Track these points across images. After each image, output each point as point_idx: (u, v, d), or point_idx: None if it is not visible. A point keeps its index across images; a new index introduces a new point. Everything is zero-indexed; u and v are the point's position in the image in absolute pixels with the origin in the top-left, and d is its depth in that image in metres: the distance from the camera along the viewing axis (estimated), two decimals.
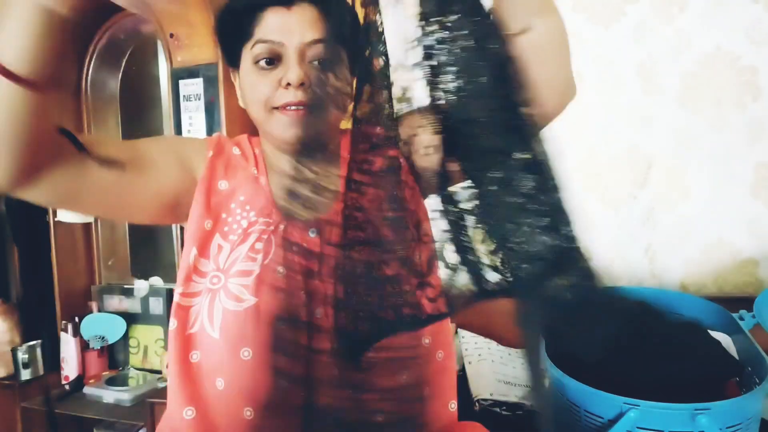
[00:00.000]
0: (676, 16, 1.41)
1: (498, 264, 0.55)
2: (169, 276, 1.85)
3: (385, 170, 0.74)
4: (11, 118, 0.55)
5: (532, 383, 0.62)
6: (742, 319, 1.04)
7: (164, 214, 0.76)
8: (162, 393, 1.56)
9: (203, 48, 1.53)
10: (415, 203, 0.76)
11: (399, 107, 0.66)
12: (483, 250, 0.55)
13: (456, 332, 1.40)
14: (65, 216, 1.79)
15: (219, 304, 0.70)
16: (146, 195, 0.72)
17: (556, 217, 0.53)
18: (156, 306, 1.80)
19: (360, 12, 0.66)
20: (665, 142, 1.44)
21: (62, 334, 1.76)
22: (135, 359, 1.84)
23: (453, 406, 0.80)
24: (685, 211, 1.45)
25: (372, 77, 0.54)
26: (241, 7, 0.74)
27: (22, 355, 1.71)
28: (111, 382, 1.71)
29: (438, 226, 0.60)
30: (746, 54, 1.37)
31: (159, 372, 1.74)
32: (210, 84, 1.57)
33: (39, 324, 1.82)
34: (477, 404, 1.14)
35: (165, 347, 1.76)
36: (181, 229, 0.80)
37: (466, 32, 0.51)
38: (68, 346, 1.75)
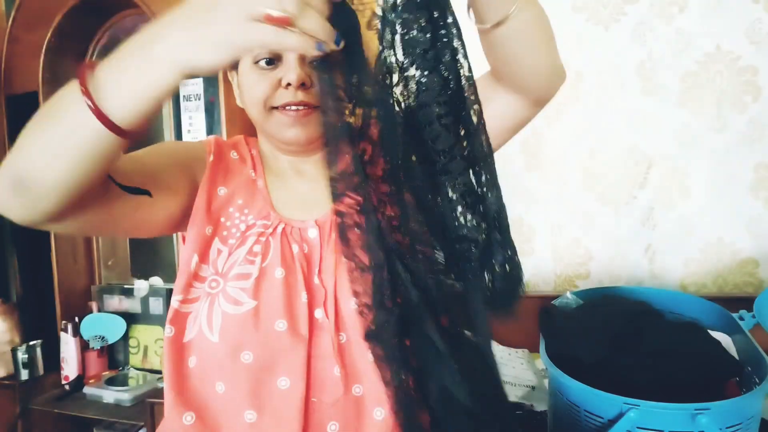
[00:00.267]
0: (676, 16, 1.41)
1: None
2: (169, 276, 1.85)
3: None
4: (91, 167, 0.52)
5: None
6: (742, 319, 1.04)
7: (174, 228, 0.75)
8: (162, 393, 1.56)
9: None
10: None
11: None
12: None
13: None
14: None
15: (218, 308, 0.70)
16: (162, 215, 0.71)
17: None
18: (156, 306, 1.80)
19: (359, 13, 0.66)
20: (665, 142, 1.44)
21: (62, 334, 1.76)
22: (135, 359, 1.84)
23: None
24: (685, 211, 1.45)
25: (372, 78, 0.54)
26: None
27: (22, 355, 1.71)
28: (111, 382, 1.71)
29: None
30: (746, 54, 1.37)
31: (159, 372, 1.74)
32: (210, 84, 1.57)
33: (39, 324, 1.82)
34: None
35: None
36: None
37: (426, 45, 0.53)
38: (68, 346, 1.75)
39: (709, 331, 0.98)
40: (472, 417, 0.52)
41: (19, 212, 0.55)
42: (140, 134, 0.52)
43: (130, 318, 1.82)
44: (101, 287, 1.90)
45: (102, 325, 1.81)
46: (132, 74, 0.48)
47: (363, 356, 0.71)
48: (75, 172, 0.52)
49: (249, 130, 0.84)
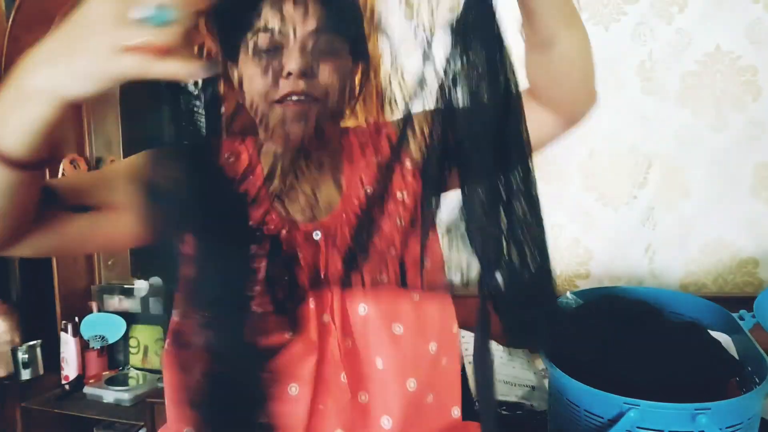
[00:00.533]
0: (676, 16, 1.40)
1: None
2: (169, 276, 1.84)
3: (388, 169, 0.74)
4: (3, 199, 0.53)
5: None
6: (742, 319, 1.04)
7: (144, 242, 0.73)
8: (162, 393, 1.55)
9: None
10: (416, 202, 0.75)
11: (405, 102, 0.67)
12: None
13: None
14: None
15: None
16: (128, 230, 0.69)
17: (531, 252, 0.59)
18: (156, 306, 1.80)
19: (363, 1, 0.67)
20: (665, 142, 1.44)
21: (62, 334, 1.76)
22: (135, 359, 1.83)
23: (456, 412, 0.79)
24: (685, 211, 1.45)
25: (375, 69, 0.55)
26: None
27: (22, 355, 1.71)
28: (111, 382, 1.71)
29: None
30: (746, 54, 1.37)
31: (159, 372, 1.74)
32: (210, 84, 1.57)
33: (39, 324, 1.82)
34: (477, 404, 1.14)
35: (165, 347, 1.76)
36: None
37: (480, 65, 0.56)
38: (68, 346, 1.75)
39: (709, 331, 0.98)
40: None
41: None
42: (45, 163, 0.52)
43: (130, 318, 1.82)
44: (101, 287, 1.89)
45: (102, 325, 1.80)
46: (15, 110, 0.48)
47: (369, 362, 0.70)
48: None
49: (249, 129, 0.83)
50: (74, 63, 0.45)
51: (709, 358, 0.89)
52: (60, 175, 1.71)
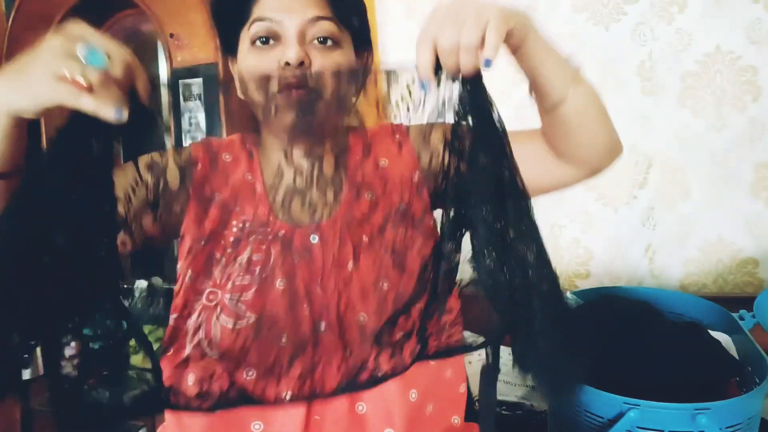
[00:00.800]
0: (676, 16, 1.40)
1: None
2: (169, 276, 1.84)
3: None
4: None
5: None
6: (742, 319, 1.04)
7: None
8: None
9: (203, 48, 1.53)
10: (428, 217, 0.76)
11: (410, 103, 0.67)
12: None
13: None
14: None
15: (217, 323, 0.67)
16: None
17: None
18: (156, 306, 1.79)
19: None
20: (665, 142, 1.44)
21: None
22: (135, 359, 1.83)
23: (456, 420, 0.78)
24: (685, 211, 1.45)
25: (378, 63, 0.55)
26: None
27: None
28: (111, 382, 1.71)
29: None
30: (746, 54, 1.37)
31: None
32: (210, 84, 1.57)
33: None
34: (477, 404, 1.14)
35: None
36: None
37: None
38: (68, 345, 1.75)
39: (709, 331, 0.98)
40: None
41: None
42: (7, 175, 0.57)
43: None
44: None
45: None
46: None
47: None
48: None
49: (249, 129, 0.82)
50: (21, 83, 0.52)
51: (709, 358, 0.90)
52: None
